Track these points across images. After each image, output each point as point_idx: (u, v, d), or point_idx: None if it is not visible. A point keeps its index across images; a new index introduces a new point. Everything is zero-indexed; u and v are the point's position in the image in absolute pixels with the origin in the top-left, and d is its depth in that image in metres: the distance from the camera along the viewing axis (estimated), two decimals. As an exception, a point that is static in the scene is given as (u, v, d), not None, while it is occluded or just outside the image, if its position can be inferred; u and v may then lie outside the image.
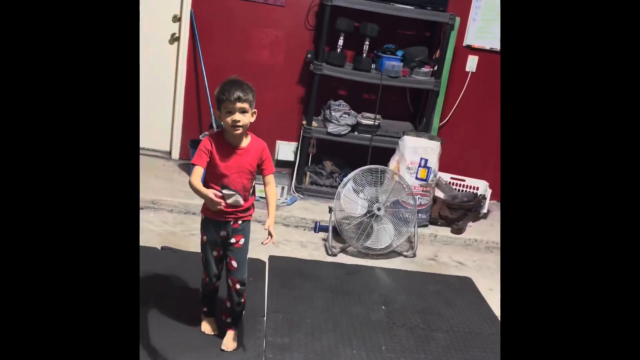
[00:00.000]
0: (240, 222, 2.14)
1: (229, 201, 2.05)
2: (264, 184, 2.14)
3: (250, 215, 2.19)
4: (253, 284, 2.74)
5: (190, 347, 2.22)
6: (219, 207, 2.01)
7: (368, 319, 2.67)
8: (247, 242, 2.19)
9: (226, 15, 3.92)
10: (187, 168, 3.97)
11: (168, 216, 3.41)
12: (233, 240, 2.15)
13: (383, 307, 2.79)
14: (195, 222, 3.35)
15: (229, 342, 2.24)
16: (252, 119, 2.04)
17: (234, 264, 2.18)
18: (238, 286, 2.19)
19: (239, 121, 1.97)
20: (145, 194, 3.49)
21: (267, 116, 4.11)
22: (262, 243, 2.10)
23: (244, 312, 2.30)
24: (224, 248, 2.19)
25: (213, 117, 3.84)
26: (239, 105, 1.96)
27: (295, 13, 3.95)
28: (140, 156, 4.10)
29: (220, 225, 2.13)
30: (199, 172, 2.03)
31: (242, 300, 2.25)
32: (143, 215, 3.35)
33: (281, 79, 4.07)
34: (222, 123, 2.04)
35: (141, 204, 3.44)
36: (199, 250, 2.94)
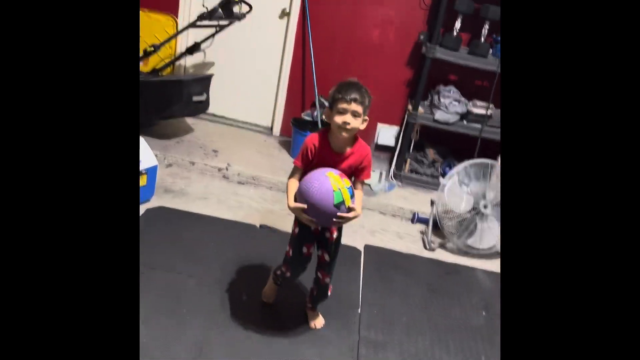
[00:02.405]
0: None
1: None
2: (354, 187, 1.93)
3: None
4: (347, 273, 2.68)
5: (282, 327, 2.20)
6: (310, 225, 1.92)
7: (467, 323, 2.52)
8: (341, 236, 2.10)
9: (338, -9, 3.80)
10: (288, 145, 3.96)
11: (267, 193, 3.42)
12: (327, 234, 2.07)
13: (484, 313, 2.62)
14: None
15: (316, 319, 2.25)
16: (363, 126, 1.90)
17: (327, 257, 2.09)
18: (327, 280, 2.13)
19: (349, 123, 1.84)
20: (246, 168, 3.52)
21: (372, 95, 4.00)
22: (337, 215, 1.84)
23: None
24: (316, 242, 2.09)
25: (317, 96, 3.78)
26: (353, 106, 1.83)
27: (411, -9, 3.74)
28: (242, 130, 4.15)
29: None
30: (297, 174, 1.96)
31: (329, 293, 2.19)
32: (244, 190, 3.39)
33: (389, 59, 3.91)
34: (330, 122, 1.91)
35: (242, 179, 3.48)
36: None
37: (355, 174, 1.99)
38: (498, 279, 2.97)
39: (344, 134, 1.87)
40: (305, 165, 1.96)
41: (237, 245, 2.74)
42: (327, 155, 1.93)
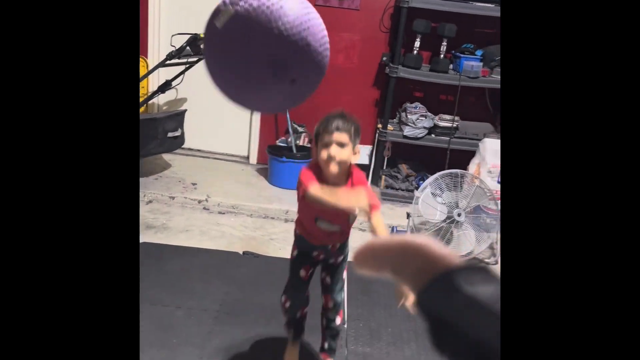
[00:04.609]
0: (338, 244, 1.93)
1: (322, 227, 1.84)
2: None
3: (349, 234, 1.95)
4: (333, 291, 2.75)
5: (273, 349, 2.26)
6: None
7: (451, 329, 2.60)
8: (346, 259, 1.98)
9: (301, 21, 3.96)
10: (265, 172, 4.05)
11: (248, 220, 3.49)
12: (332, 260, 1.94)
13: (466, 317, 2.71)
14: (274, 227, 3.42)
15: None
16: (355, 159, 1.73)
17: (328, 280, 1.97)
18: (331, 305, 1.98)
19: (334, 157, 1.67)
20: (226, 198, 3.59)
21: (342, 120, 4.12)
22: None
23: (339, 336, 2.11)
24: (317, 265, 1.97)
25: (289, 122, 3.90)
26: (336, 136, 1.67)
27: (370, 16, 3.92)
28: (220, 161, 4.24)
29: (316, 248, 1.91)
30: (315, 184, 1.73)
31: (338, 323, 2.03)
32: (225, 219, 3.46)
33: (356, 82, 4.06)
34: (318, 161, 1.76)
35: (222, 209, 3.55)
36: (280, 255, 3.03)
37: None
38: (478, 283, 3.06)
39: (333, 169, 1.70)
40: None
41: (221, 273, 2.80)
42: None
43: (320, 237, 1.87)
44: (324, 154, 1.69)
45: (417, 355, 2.37)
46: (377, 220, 1.67)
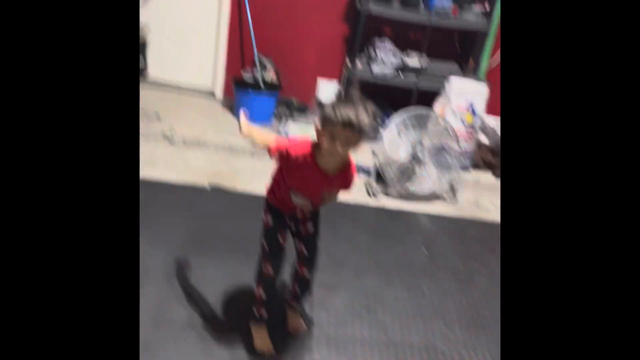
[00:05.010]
0: (309, 214, 1.89)
1: (295, 202, 1.80)
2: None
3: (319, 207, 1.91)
4: (298, 224, 2.82)
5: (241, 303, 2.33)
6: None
7: (410, 262, 2.73)
8: (318, 231, 1.93)
9: (270, -52, 3.79)
10: (231, 106, 3.99)
11: (214, 155, 3.48)
12: (301, 227, 1.90)
13: (425, 252, 2.84)
14: (241, 162, 3.42)
15: (297, 322, 2.12)
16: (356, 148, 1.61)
17: (305, 251, 1.93)
18: (309, 275, 1.98)
19: (338, 152, 1.57)
20: (191, 131, 3.55)
21: (310, 52, 4.06)
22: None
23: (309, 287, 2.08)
24: (293, 235, 1.93)
25: (256, 54, 3.82)
26: (347, 133, 1.51)
27: (342, -54, 3.78)
28: (185, 95, 4.14)
29: (286, 215, 1.87)
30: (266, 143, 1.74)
31: (310, 288, 2.06)
32: (189, 153, 3.43)
33: (326, 16, 3.97)
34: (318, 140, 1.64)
35: (187, 142, 3.51)
36: (247, 190, 3.06)
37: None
38: (438, 221, 3.20)
39: (330, 159, 1.64)
40: (281, 166, 1.76)
41: (188, 207, 2.82)
42: (312, 173, 1.68)
43: (290, 207, 1.83)
44: (326, 145, 1.57)
45: (378, 285, 2.49)
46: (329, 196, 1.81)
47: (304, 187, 1.75)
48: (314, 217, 1.91)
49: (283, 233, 1.86)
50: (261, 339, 2.00)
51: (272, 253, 1.87)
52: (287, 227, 1.88)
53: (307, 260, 1.95)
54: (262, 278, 1.91)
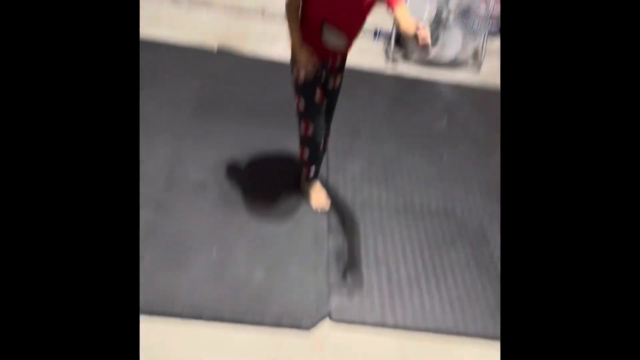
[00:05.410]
0: (339, 58, 1.73)
1: (328, 41, 1.63)
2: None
3: (348, 51, 1.73)
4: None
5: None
6: (306, 68, 1.59)
7: (430, 130, 2.61)
8: (342, 82, 1.82)
9: None
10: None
11: (222, 17, 3.22)
12: (331, 80, 1.77)
13: (445, 120, 2.71)
14: (251, 24, 3.18)
15: (322, 199, 2.02)
16: None
17: (328, 105, 1.83)
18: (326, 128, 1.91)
19: None
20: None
21: None
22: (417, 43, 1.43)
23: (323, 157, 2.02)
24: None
25: None
26: None
27: None
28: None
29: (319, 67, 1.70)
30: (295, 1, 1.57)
31: (327, 145, 1.99)
32: (195, 14, 3.18)
33: None
34: None
35: (193, 0, 3.24)
36: (256, 54, 2.85)
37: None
38: (459, 90, 3.02)
39: None
40: None
41: (196, 69, 2.65)
42: None
43: (323, 52, 1.65)
44: None
45: (397, 152, 2.40)
46: (401, 13, 1.48)
47: (336, 11, 1.55)
48: (342, 69, 1.78)
49: (320, 88, 1.73)
50: (316, 196, 2.01)
51: (310, 107, 1.75)
52: (319, 80, 1.72)
53: (328, 115, 1.88)
54: (302, 139, 1.86)
